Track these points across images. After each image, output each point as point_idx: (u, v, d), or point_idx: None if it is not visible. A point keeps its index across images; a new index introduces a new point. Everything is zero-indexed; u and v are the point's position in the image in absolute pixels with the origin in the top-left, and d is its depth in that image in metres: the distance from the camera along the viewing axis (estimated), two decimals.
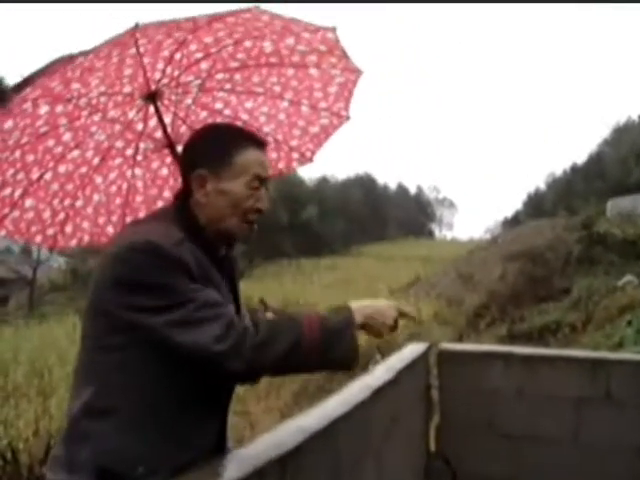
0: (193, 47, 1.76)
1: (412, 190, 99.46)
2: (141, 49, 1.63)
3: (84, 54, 1.47)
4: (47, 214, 1.95)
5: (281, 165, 2.17)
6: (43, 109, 1.72)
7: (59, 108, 1.76)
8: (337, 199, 61.59)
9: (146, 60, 1.70)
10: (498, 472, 2.98)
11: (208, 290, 1.36)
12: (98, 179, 2.00)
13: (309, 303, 19.12)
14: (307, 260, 41.45)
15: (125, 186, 2.03)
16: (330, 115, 2.09)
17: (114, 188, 2.03)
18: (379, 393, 2.20)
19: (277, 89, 2.02)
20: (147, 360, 1.36)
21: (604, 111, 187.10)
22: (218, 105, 2.03)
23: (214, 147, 1.53)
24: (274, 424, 1.64)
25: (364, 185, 75.66)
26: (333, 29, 1.82)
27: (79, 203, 1.98)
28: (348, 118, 2.10)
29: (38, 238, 1.97)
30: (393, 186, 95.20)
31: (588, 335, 10.92)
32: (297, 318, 1.34)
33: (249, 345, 1.26)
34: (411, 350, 3.01)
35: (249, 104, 2.05)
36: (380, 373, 2.44)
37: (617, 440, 2.82)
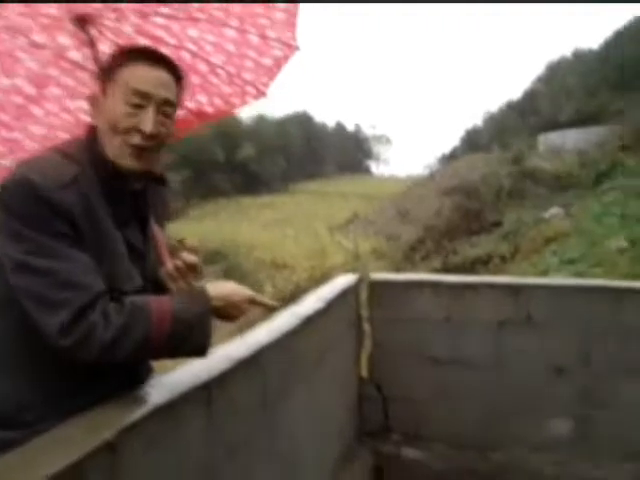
0: None
1: (350, 128, 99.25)
2: None
3: None
4: None
5: (236, 100, 2.05)
6: None
7: None
8: (275, 137, 60.84)
9: None
10: (425, 395, 3.13)
11: (76, 258, 1.22)
12: (35, 110, 1.84)
13: (248, 243, 19.08)
14: (245, 199, 41.17)
15: (70, 118, 1.87)
16: (281, 45, 1.98)
17: (57, 121, 1.87)
18: (309, 322, 2.24)
19: (219, 14, 1.88)
20: (14, 310, 1.24)
21: (542, 49, 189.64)
22: (159, 32, 1.86)
23: (107, 64, 1.40)
24: None
25: (302, 123, 74.89)
26: None
27: (18, 135, 1.83)
28: (297, 48, 2.00)
29: None
30: (332, 124, 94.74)
31: (516, 265, 11.42)
32: (147, 311, 1.24)
33: (97, 342, 1.18)
34: (342, 281, 3.07)
35: (193, 32, 1.90)
36: (310, 303, 2.48)
37: (536, 361, 2.99)
